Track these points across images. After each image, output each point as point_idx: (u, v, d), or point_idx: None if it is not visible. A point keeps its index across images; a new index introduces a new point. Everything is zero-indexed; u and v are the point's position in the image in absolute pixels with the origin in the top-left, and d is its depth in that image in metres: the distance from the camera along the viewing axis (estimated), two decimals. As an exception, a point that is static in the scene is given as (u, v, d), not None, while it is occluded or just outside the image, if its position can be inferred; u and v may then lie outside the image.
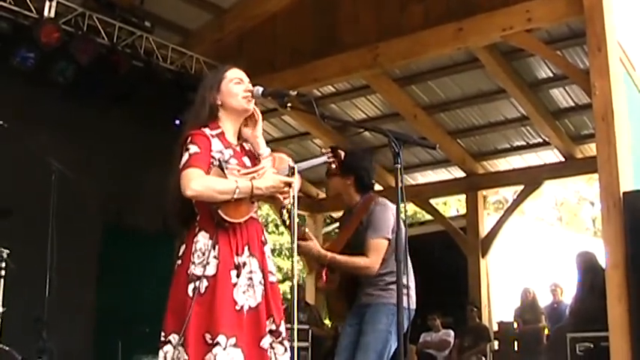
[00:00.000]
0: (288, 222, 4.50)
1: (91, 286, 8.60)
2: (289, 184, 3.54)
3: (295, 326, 3.51)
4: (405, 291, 4.66)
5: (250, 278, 3.42)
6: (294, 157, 11.86)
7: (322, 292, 4.99)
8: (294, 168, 3.60)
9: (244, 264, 3.42)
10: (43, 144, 6.74)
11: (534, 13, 7.69)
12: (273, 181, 3.50)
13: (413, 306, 4.73)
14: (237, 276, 3.39)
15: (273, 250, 22.44)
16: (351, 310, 4.94)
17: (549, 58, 8.78)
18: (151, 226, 8.88)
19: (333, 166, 3.79)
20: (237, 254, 3.41)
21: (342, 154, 3.90)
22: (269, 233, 22.34)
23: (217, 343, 3.24)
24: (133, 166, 9.15)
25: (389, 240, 4.68)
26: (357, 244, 4.80)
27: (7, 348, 5.97)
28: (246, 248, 3.44)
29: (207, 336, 3.26)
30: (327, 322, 13.60)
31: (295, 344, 3.52)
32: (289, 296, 14.17)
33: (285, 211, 4.16)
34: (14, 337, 6.06)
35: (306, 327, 10.75)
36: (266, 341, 3.41)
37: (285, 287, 21.27)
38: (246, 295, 3.39)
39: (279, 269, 22.46)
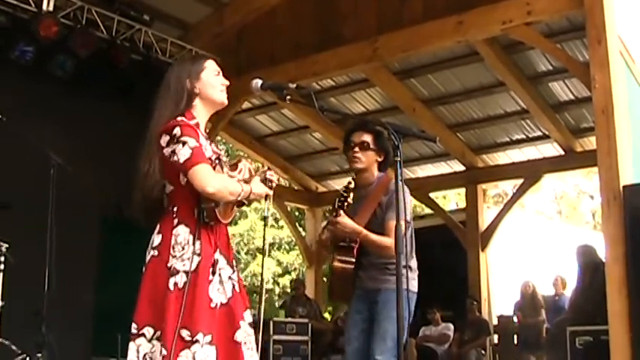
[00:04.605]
0: (339, 204, 4.55)
1: (90, 280, 8.59)
2: (267, 196, 3.63)
3: (261, 323, 3.54)
4: (411, 275, 4.67)
5: (220, 275, 3.42)
6: (295, 150, 11.84)
7: (336, 272, 4.87)
8: (272, 182, 3.67)
9: (218, 261, 3.43)
10: (42, 137, 6.71)
11: (534, 6, 7.67)
12: (262, 190, 3.56)
13: (415, 289, 4.73)
14: (213, 273, 3.39)
15: (272, 244, 22.53)
16: (355, 296, 4.85)
17: (549, 52, 8.76)
18: (150, 218, 8.86)
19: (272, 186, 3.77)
20: (215, 251, 3.43)
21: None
22: (269, 227, 22.34)
23: (196, 341, 3.23)
24: (132, 159, 9.12)
25: (408, 223, 4.63)
26: (376, 225, 4.70)
27: (7, 342, 5.97)
28: (218, 246, 3.47)
29: (185, 332, 3.24)
30: (326, 315, 13.62)
31: (260, 336, 3.55)
32: (289, 290, 14.20)
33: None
34: (13, 331, 6.06)
35: (306, 321, 10.77)
36: (240, 334, 3.40)
37: (285, 281, 21.35)
38: (219, 292, 3.39)
39: (279, 263, 22.47)
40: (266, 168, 3.77)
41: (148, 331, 3.32)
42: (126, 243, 8.77)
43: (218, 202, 3.38)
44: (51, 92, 8.25)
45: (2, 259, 6.02)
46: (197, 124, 3.53)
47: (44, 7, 7.92)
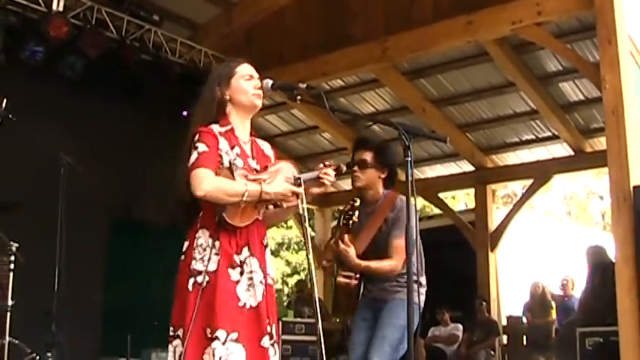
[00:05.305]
0: (344, 222, 4.54)
1: (99, 280, 8.61)
2: (297, 194, 3.50)
3: (319, 325, 3.45)
4: (420, 290, 4.66)
5: (251, 278, 3.43)
6: (304, 150, 11.80)
7: (340, 287, 4.88)
8: (299, 179, 3.53)
9: (245, 263, 3.43)
10: (51, 137, 6.73)
11: (544, 7, 7.67)
12: (283, 189, 3.46)
13: (422, 304, 4.71)
14: (241, 274, 3.41)
15: (281, 244, 22.55)
16: (362, 304, 4.85)
17: (559, 52, 8.74)
18: (159, 219, 8.88)
19: (327, 183, 3.59)
20: (237, 253, 3.43)
21: (344, 168, 3.71)
22: (277, 227, 22.32)
23: (216, 338, 3.26)
24: (142, 160, 9.15)
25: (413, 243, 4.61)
26: (381, 242, 4.72)
27: (17, 341, 5.98)
28: (245, 248, 3.45)
29: (208, 330, 3.29)
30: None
31: (321, 341, 3.45)
32: (298, 288, 14.20)
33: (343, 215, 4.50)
34: (23, 331, 6.07)
35: (314, 321, 10.74)
36: (266, 340, 3.42)
37: (294, 281, 21.36)
38: (248, 294, 3.41)
39: (288, 263, 22.49)
40: (321, 166, 3.61)
41: (181, 332, 3.37)
42: (134, 244, 8.85)
43: (223, 205, 3.37)
44: (58, 92, 8.27)
45: (12, 258, 6.03)
46: (231, 130, 3.56)
47: (54, 7, 7.94)
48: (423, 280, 4.76)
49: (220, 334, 3.27)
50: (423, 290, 4.75)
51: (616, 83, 6.83)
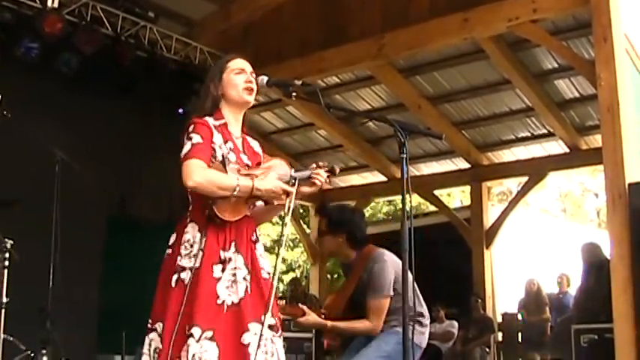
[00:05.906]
0: None
1: (94, 277, 8.59)
2: (287, 193, 3.49)
3: (267, 318, 3.48)
4: (421, 329, 4.63)
5: (234, 274, 3.41)
6: (300, 147, 11.78)
7: (325, 346, 4.96)
8: (295, 179, 3.53)
9: (230, 260, 3.41)
10: (46, 134, 6.72)
11: (540, 4, 7.67)
12: (274, 186, 3.46)
13: (423, 345, 4.67)
14: (222, 271, 3.39)
15: (277, 241, 22.48)
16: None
17: (555, 49, 8.74)
18: (155, 216, 8.89)
19: (318, 183, 3.57)
20: (224, 249, 3.41)
21: (337, 169, 3.66)
22: (272, 224, 22.28)
23: (191, 335, 3.25)
24: (137, 157, 9.13)
25: (390, 296, 4.56)
26: (359, 301, 4.67)
27: (12, 338, 5.96)
28: (233, 244, 3.44)
29: (187, 327, 3.27)
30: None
31: (264, 331, 3.48)
32: (291, 286, 14.26)
33: None
34: (18, 328, 6.05)
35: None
36: (248, 336, 3.36)
37: (289, 279, 21.35)
38: (229, 290, 3.38)
39: (283, 260, 22.39)
40: (314, 166, 3.59)
41: (159, 326, 3.38)
42: (130, 242, 8.83)
43: (214, 198, 3.36)
44: (53, 89, 8.24)
45: (7, 255, 6.01)
46: (225, 125, 3.56)
47: (49, 3, 7.92)
48: (426, 320, 4.73)
49: (195, 331, 3.25)
50: (425, 330, 4.71)
51: (611, 81, 6.83)
